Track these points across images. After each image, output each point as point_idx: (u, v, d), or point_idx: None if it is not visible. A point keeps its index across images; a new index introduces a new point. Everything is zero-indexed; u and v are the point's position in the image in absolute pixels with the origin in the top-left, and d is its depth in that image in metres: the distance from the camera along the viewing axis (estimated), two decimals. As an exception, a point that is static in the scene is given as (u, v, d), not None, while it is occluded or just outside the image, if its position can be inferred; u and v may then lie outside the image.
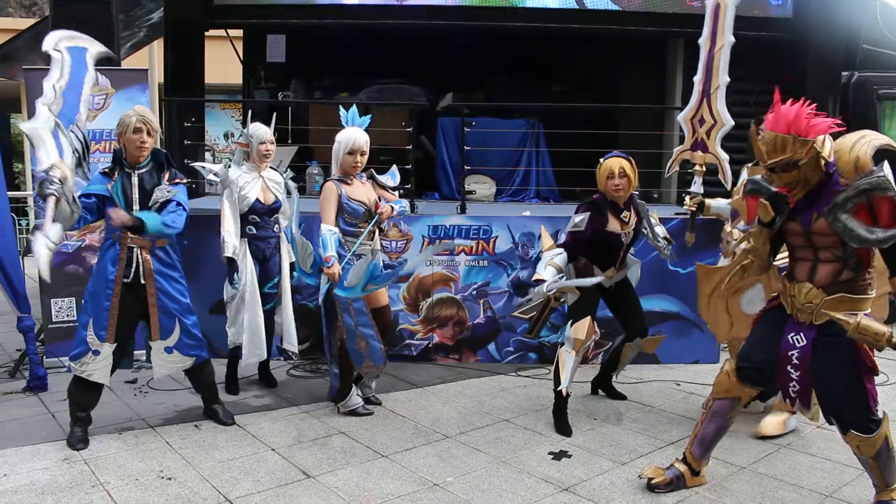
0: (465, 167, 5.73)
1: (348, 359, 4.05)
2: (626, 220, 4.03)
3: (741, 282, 3.66)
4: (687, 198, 4.09)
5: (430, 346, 5.36)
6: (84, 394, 3.70)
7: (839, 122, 2.79)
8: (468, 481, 3.33)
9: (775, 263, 3.23)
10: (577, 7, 6.69)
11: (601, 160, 4.00)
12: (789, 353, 2.95)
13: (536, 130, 6.74)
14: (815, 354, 2.89)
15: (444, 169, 6.67)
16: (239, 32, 8.28)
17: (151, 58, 9.26)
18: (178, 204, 3.68)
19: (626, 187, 3.93)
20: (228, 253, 4.24)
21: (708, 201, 4.09)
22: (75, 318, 4.92)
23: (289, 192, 4.36)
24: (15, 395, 4.44)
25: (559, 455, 3.64)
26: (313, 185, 6.49)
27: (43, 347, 5.00)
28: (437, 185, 6.76)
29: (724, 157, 4.09)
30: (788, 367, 2.95)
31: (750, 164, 4.13)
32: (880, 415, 2.90)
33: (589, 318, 3.94)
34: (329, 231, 3.95)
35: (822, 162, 2.79)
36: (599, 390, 4.61)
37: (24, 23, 11.37)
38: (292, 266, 4.50)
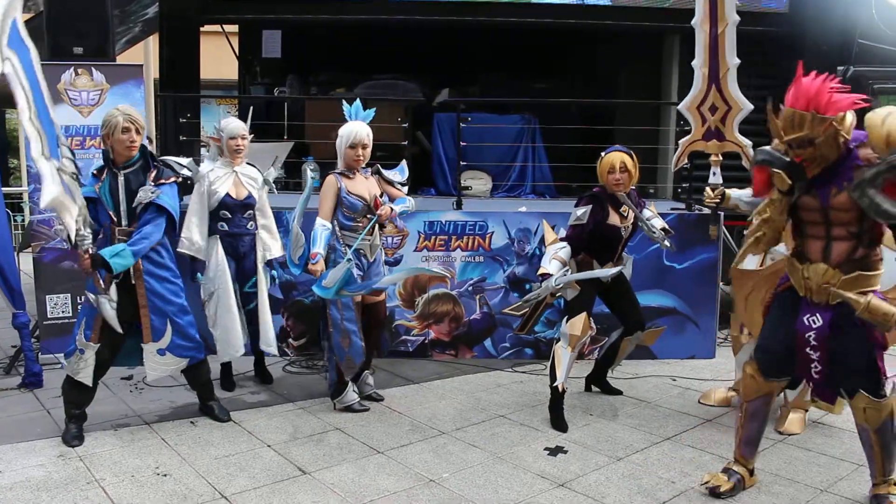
0: (461, 163, 5.72)
1: None
2: (625, 215, 4.03)
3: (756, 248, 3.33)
4: (708, 189, 3.83)
5: (427, 342, 5.36)
6: (76, 392, 3.68)
7: (865, 97, 2.70)
8: (464, 477, 3.34)
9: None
10: (574, 2, 6.69)
11: (602, 154, 3.98)
12: (806, 335, 2.90)
13: (532, 126, 6.72)
14: (832, 332, 2.85)
15: (440, 164, 6.65)
16: (234, 28, 8.26)
17: (147, 53, 9.22)
18: (159, 208, 3.61)
19: (626, 182, 3.92)
20: (182, 249, 4.17)
21: (728, 191, 3.78)
22: (70, 314, 4.92)
23: (271, 191, 4.37)
24: (10, 392, 4.44)
25: (555, 451, 3.65)
26: (307, 181, 6.44)
27: (38, 344, 4.98)
28: (433, 181, 6.74)
29: (747, 142, 3.91)
30: (807, 349, 2.91)
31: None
32: (889, 387, 2.90)
33: (585, 314, 3.95)
34: (322, 226, 3.95)
35: (841, 140, 2.70)
36: (593, 386, 4.60)
37: (18, 18, 11.29)
38: (271, 264, 4.49)
